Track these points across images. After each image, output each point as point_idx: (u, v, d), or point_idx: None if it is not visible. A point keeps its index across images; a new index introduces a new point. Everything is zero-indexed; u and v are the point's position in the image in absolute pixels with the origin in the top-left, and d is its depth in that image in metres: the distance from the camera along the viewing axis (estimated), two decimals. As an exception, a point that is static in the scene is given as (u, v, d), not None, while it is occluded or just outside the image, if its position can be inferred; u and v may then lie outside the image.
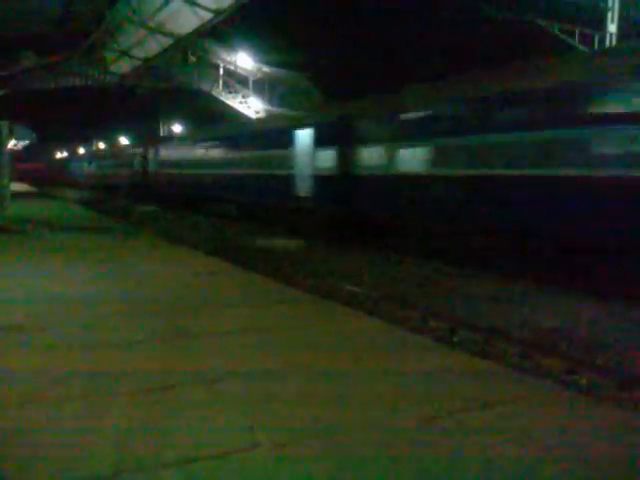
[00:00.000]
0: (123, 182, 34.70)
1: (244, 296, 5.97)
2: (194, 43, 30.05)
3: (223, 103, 34.02)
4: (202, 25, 23.96)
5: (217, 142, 22.26)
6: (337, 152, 14.10)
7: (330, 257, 11.91)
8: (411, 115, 11.91)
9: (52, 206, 20.88)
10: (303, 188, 15.32)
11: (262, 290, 6.39)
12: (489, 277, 9.54)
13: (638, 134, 7.71)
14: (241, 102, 33.69)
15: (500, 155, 9.75)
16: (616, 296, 7.74)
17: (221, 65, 33.72)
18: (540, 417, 2.99)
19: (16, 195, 20.38)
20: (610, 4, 16.96)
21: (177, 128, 44.16)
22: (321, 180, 14.70)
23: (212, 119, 34.97)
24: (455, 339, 6.34)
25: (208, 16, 22.85)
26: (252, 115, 32.61)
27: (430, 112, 11.46)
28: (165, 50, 28.79)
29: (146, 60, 30.88)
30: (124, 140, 52.03)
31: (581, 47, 17.41)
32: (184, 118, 44.09)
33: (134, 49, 30.08)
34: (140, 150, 31.62)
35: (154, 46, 28.72)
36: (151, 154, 29.48)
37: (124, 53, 30.85)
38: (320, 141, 14.76)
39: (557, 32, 17.93)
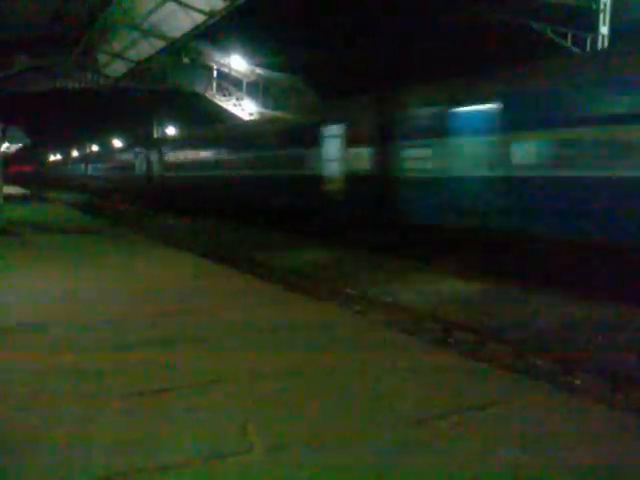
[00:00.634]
0: (123, 185, 33.31)
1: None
2: (187, 45, 29.99)
3: (217, 105, 33.96)
4: (195, 27, 23.91)
5: (232, 141, 21.11)
6: (378, 150, 12.46)
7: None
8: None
9: (52, 211, 20.55)
10: (338, 190, 13.77)
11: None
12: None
13: None
14: (235, 104, 33.64)
15: None
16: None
17: (215, 67, 33.67)
18: (534, 418, 2.99)
19: (10, 198, 20.28)
20: (602, 6, 17.04)
21: (171, 130, 44.06)
22: (358, 182, 13.05)
23: (206, 121, 34.91)
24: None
25: (201, 18, 22.80)
26: (246, 117, 32.58)
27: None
28: (158, 52, 28.71)
29: (139, 62, 30.79)
30: (120, 142, 51.21)
31: (574, 49, 17.48)
32: (178, 121, 44.02)
33: (127, 51, 29.97)
34: (143, 151, 30.36)
35: (147, 48, 28.62)
36: (156, 155, 28.16)
37: (117, 56, 30.74)
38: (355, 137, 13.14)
39: (550, 34, 18.00)
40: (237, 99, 33.77)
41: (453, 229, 10.57)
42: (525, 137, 9.40)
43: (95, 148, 57.91)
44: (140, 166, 30.14)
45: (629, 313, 7.14)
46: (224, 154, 21.36)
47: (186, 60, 33.28)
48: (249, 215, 18.42)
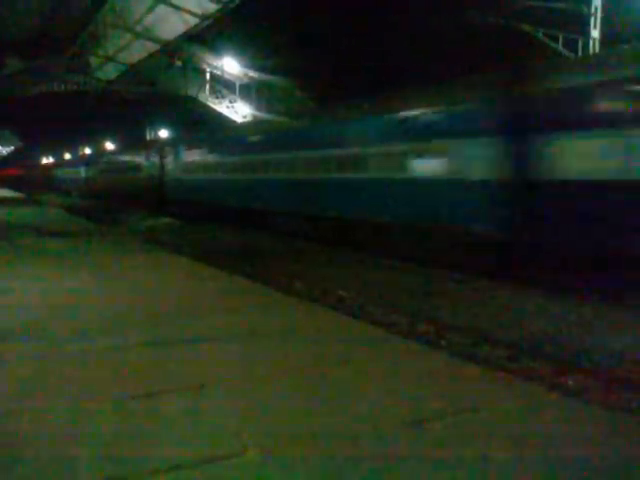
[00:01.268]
0: (129, 190, 30.85)
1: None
2: (180, 48, 29.99)
3: (210, 108, 33.94)
4: (188, 30, 23.95)
5: (272, 140, 18.21)
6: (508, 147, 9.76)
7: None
8: None
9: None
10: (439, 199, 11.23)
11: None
12: None
13: None
14: (228, 107, 33.64)
15: None
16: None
17: (207, 70, 33.67)
18: (529, 420, 2.99)
19: (3, 201, 20.12)
20: (593, 10, 17.17)
21: (163, 133, 43.98)
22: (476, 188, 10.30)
23: (199, 125, 34.88)
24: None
25: (194, 21, 22.85)
26: (239, 120, 32.59)
27: None
28: (151, 55, 28.71)
29: (132, 65, 30.76)
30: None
31: (566, 52, 17.59)
32: (170, 124, 43.93)
33: (120, 54, 29.96)
34: (153, 152, 28.06)
35: (140, 51, 28.62)
36: (169, 156, 25.81)
37: (110, 58, 30.71)
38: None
39: (541, 37, 18.10)
40: (230, 101, 33.77)
41: None
42: None
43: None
44: (150, 168, 28.01)
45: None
46: (265, 154, 18.34)
47: (178, 63, 33.25)
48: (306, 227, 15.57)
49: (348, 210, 14.10)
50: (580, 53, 17.13)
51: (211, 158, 22.29)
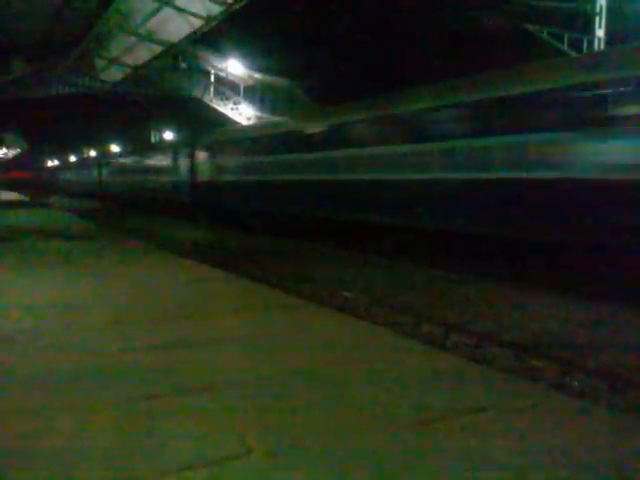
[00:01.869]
0: (150, 193, 28.79)
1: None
2: (185, 50, 30.07)
3: (214, 110, 34.01)
4: (193, 32, 24.00)
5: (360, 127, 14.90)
6: None
7: None
8: None
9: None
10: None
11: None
12: None
13: None
14: (232, 109, 33.70)
15: None
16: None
17: (212, 72, 33.75)
18: (535, 420, 2.99)
19: (9, 204, 20.16)
20: (597, 9, 17.12)
21: (168, 135, 44.08)
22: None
23: (204, 126, 34.95)
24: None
25: (198, 23, 22.90)
26: (244, 122, 32.62)
27: None
28: (156, 57, 28.78)
29: (137, 67, 30.85)
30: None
31: (570, 52, 17.54)
32: (175, 125, 44.04)
33: (125, 57, 30.05)
34: (184, 150, 25.24)
35: (145, 53, 28.70)
36: (204, 154, 23.07)
37: (115, 61, 30.81)
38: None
39: (546, 37, 18.06)
40: (234, 103, 33.84)
41: None
42: None
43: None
44: (180, 169, 25.36)
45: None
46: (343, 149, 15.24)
47: (183, 65, 33.37)
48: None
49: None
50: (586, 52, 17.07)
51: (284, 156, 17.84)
